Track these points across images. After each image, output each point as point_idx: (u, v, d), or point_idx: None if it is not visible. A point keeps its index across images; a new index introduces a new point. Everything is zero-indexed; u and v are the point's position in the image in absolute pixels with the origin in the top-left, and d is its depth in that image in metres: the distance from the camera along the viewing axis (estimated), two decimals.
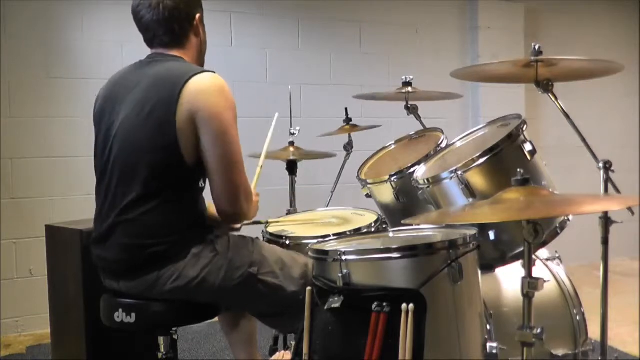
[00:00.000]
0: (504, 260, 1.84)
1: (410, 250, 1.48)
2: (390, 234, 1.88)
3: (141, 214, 1.65)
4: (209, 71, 1.70)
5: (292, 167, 2.81)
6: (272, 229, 2.13)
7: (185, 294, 1.68)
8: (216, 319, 1.93)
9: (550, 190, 1.62)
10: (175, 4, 1.72)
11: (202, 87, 1.64)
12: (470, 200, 1.73)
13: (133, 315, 1.69)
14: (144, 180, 1.64)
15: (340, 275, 1.46)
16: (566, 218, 1.85)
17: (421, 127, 2.55)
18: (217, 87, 1.66)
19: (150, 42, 1.80)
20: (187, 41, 1.78)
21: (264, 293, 1.75)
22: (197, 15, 1.79)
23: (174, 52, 1.77)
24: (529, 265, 1.42)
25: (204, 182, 1.76)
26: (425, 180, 1.85)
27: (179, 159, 1.63)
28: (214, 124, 1.63)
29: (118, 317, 1.71)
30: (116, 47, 3.65)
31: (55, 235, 2.34)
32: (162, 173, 1.64)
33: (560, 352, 1.91)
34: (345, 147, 2.97)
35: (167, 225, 1.66)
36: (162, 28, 1.74)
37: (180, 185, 1.67)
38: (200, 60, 1.84)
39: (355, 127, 2.89)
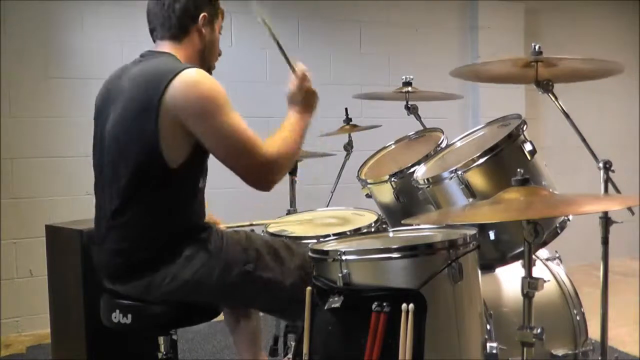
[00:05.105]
0: (504, 260, 1.84)
1: (410, 250, 1.48)
2: (390, 234, 1.87)
3: (129, 218, 1.63)
4: (189, 67, 1.63)
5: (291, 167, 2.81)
6: (272, 229, 2.13)
7: (181, 296, 1.67)
8: (216, 318, 1.92)
9: (550, 190, 1.62)
10: None
11: (181, 89, 1.58)
12: (470, 200, 1.73)
13: (129, 316, 1.69)
14: (129, 185, 1.61)
15: (340, 275, 1.46)
16: (566, 218, 1.85)
17: (421, 127, 2.55)
18: (194, 83, 1.60)
19: (152, 35, 1.79)
20: (186, 37, 1.75)
21: (262, 289, 1.73)
22: (203, 14, 1.75)
23: (167, 48, 1.74)
24: (529, 265, 1.42)
25: (204, 181, 1.75)
26: (425, 180, 1.85)
27: (161, 164, 1.59)
28: (202, 122, 1.60)
29: (115, 317, 1.70)
30: (116, 47, 3.64)
31: (55, 235, 2.34)
32: (145, 178, 1.61)
33: (560, 352, 1.91)
34: (345, 147, 2.96)
35: (155, 229, 1.64)
36: (161, 19, 1.73)
37: (166, 189, 1.63)
38: (200, 60, 1.78)
39: (355, 127, 2.89)
